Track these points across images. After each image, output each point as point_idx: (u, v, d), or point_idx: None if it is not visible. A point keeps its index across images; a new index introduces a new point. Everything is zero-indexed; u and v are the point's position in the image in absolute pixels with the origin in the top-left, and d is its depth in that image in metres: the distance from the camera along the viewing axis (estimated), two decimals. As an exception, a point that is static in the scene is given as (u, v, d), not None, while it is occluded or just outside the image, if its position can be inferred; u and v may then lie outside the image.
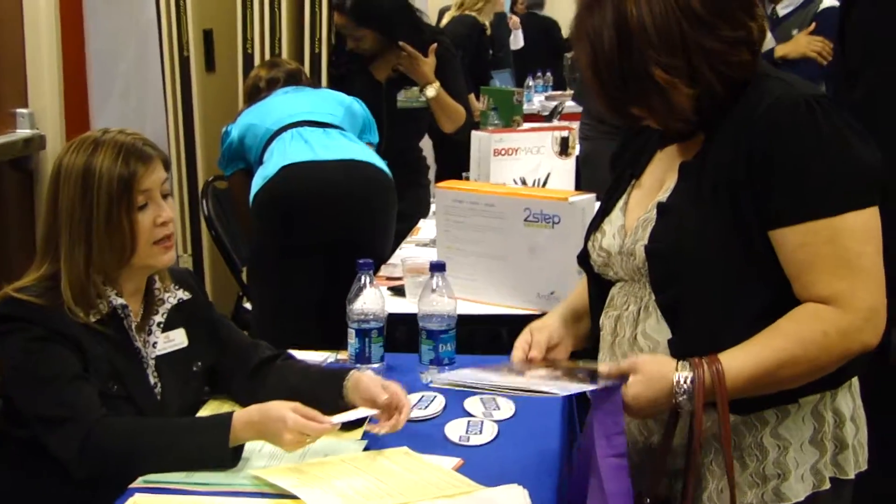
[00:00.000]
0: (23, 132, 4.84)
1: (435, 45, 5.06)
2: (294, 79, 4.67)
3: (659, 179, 2.16)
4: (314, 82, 4.77)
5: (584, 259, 2.28)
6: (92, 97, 4.91)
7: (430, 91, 4.96)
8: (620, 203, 2.23)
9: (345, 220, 4.17)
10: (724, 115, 2.03)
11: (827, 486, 2.06)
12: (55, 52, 4.96)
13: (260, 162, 4.28)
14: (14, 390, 2.53)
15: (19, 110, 4.88)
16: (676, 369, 1.96)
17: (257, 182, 4.18)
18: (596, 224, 2.27)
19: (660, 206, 2.08)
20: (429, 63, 4.97)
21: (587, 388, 1.99)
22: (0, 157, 4.60)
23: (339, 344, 3.07)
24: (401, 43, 4.87)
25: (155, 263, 2.62)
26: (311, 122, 4.25)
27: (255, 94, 4.64)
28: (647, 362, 1.99)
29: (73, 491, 2.40)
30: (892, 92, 2.59)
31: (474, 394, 2.58)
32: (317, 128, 4.25)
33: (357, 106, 4.57)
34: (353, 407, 2.53)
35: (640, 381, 1.97)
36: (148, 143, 2.63)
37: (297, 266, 4.16)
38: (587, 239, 2.29)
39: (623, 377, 1.99)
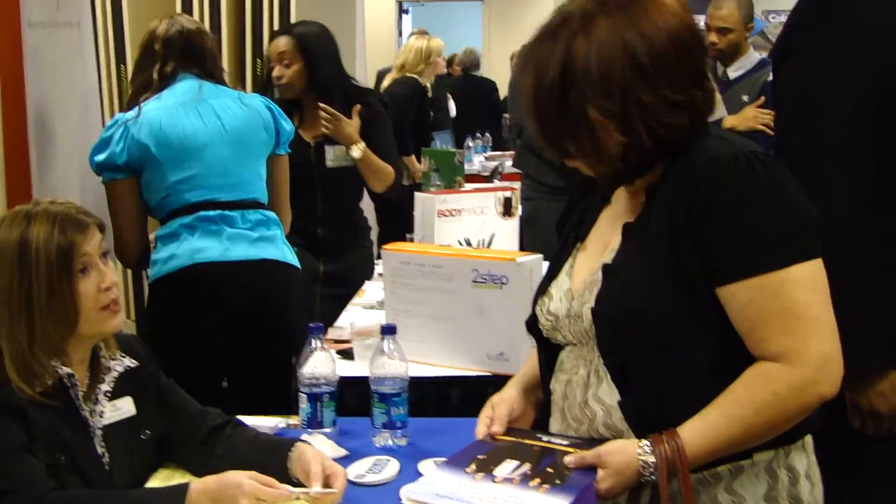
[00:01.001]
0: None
1: (358, 106, 4.99)
2: (191, 51, 4.11)
3: (603, 241, 2.16)
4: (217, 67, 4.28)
5: (532, 324, 2.27)
6: (33, 163, 4.86)
7: (356, 152, 4.86)
8: (566, 266, 2.24)
9: (252, 321, 3.95)
10: (665, 175, 2.05)
11: None
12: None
13: (160, 219, 4.04)
14: None
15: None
16: (640, 455, 1.96)
17: (160, 265, 3.96)
18: (543, 288, 2.28)
19: (605, 267, 2.10)
20: (352, 124, 4.88)
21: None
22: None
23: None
24: (320, 104, 4.78)
25: (104, 329, 2.59)
26: (224, 202, 3.98)
27: (148, 56, 4.11)
28: (612, 454, 1.99)
29: None
30: (815, 159, 2.58)
31: (428, 456, 2.54)
32: (230, 211, 3.98)
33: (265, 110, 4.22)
34: (295, 478, 2.54)
35: (611, 475, 1.98)
36: (81, 211, 2.60)
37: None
38: (535, 303, 2.29)
39: (588, 468, 2.00)
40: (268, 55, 5.07)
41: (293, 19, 6.34)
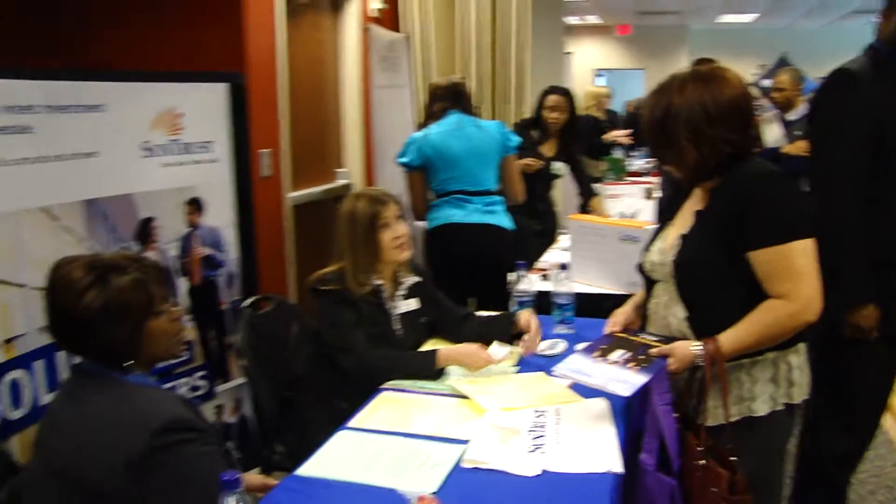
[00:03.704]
0: (341, 182, 4.93)
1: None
2: (456, 96, 4.06)
3: (684, 220, 2.12)
4: (470, 105, 4.15)
5: (640, 267, 2.26)
6: (375, 166, 5.02)
7: (562, 171, 4.81)
8: (662, 234, 2.20)
9: (481, 257, 3.95)
10: (723, 182, 1.99)
11: (781, 407, 2.00)
12: (359, 132, 5.05)
13: (435, 196, 4.04)
14: (324, 331, 2.59)
15: (338, 169, 5.01)
16: (694, 349, 1.94)
17: (432, 222, 4.00)
18: (648, 245, 2.24)
19: (682, 236, 2.06)
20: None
21: (644, 379, 1.94)
22: (327, 197, 4.70)
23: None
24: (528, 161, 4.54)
25: (396, 259, 2.66)
26: (469, 191, 3.95)
27: (432, 100, 4.12)
28: (679, 348, 1.96)
29: (353, 386, 2.42)
30: (824, 181, 2.51)
31: (583, 341, 2.54)
32: (471, 196, 3.95)
33: (498, 131, 4.07)
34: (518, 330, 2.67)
35: (677, 360, 1.96)
36: (385, 193, 2.68)
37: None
38: (643, 253, 2.27)
39: (664, 356, 1.97)
40: (541, 101, 4.80)
41: (529, 80, 6.32)
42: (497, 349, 2.54)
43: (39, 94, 2.39)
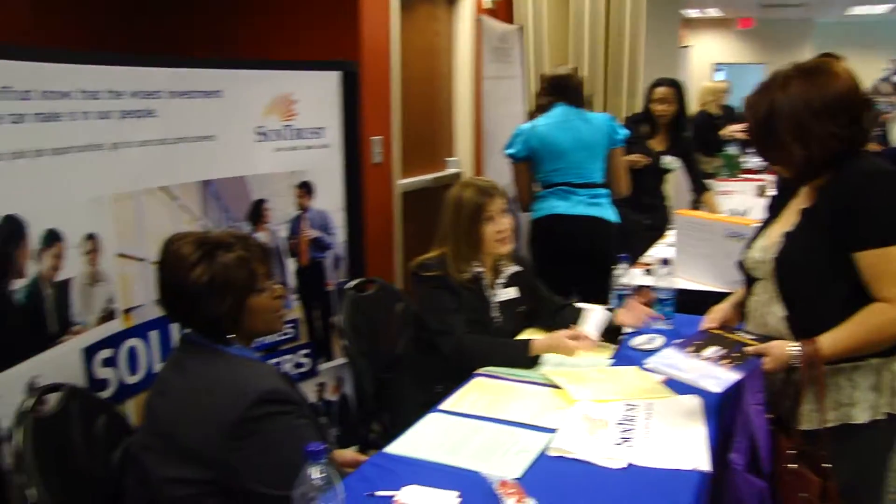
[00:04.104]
0: (450, 171, 4.97)
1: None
2: (563, 88, 4.03)
3: (789, 218, 2.06)
4: (579, 97, 4.07)
5: (740, 264, 2.20)
6: (484, 155, 5.04)
7: (673, 164, 4.70)
8: (766, 231, 2.14)
9: (584, 249, 3.92)
10: (830, 180, 1.92)
11: (883, 417, 1.92)
12: (469, 122, 5.08)
13: (541, 187, 4.03)
14: (424, 314, 2.62)
15: (448, 158, 5.05)
16: (792, 350, 1.88)
17: (536, 212, 4.00)
18: (750, 242, 2.19)
19: (786, 234, 1.99)
20: None
21: (737, 376, 1.90)
22: (437, 185, 4.73)
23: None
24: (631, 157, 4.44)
25: (497, 252, 2.67)
26: (574, 184, 3.92)
27: (541, 92, 4.17)
28: (775, 347, 1.91)
29: (449, 370, 2.45)
30: None
31: (680, 336, 2.51)
32: (576, 188, 3.93)
33: (605, 124, 4.03)
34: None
35: (772, 360, 1.90)
36: (493, 185, 2.68)
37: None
38: (745, 250, 2.21)
39: (759, 355, 1.92)
40: (649, 93, 4.70)
41: (642, 73, 6.21)
42: (591, 327, 2.55)
43: (163, 80, 2.51)
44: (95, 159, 2.29)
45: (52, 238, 2.15)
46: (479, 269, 2.67)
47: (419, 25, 4.59)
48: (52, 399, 1.80)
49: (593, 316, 2.66)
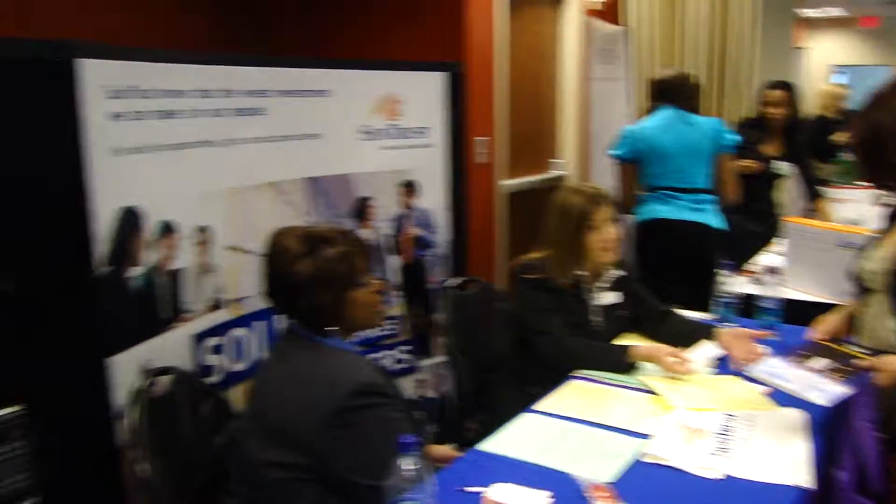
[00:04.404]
0: (555, 173, 4.96)
1: None
2: (669, 91, 3.94)
3: None
4: (688, 100, 3.98)
5: (853, 275, 2.11)
6: (592, 158, 5.00)
7: (784, 169, 4.55)
8: (883, 242, 2.06)
9: (687, 254, 3.83)
10: None
11: None
12: (574, 124, 5.06)
13: (644, 190, 3.98)
14: (524, 314, 2.60)
15: (552, 160, 5.03)
16: None
17: (639, 215, 3.94)
18: (863, 253, 2.10)
19: None
20: None
21: (845, 390, 1.82)
22: (541, 187, 4.73)
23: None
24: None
25: (600, 260, 2.62)
26: (676, 188, 3.86)
27: (649, 94, 4.07)
28: (889, 362, 1.81)
29: (547, 371, 2.43)
30: None
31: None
32: (678, 193, 3.86)
33: (713, 128, 3.92)
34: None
35: (885, 375, 1.80)
36: (601, 193, 2.63)
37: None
38: (858, 261, 2.12)
39: (871, 369, 1.83)
40: (761, 97, 4.58)
41: (756, 76, 6.03)
42: (698, 356, 2.46)
43: (273, 79, 2.59)
44: (209, 155, 2.38)
45: (167, 229, 2.25)
46: (581, 273, 2.64)
47: (525, 26, 4.58)
48: (163, 382, 1.89)
49: (705, 349, 2.54)
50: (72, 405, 1.98)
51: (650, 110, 3.99)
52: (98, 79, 1.99)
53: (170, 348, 2.24)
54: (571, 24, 4.95)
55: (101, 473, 1.99)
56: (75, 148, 1.94)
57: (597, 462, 1.81)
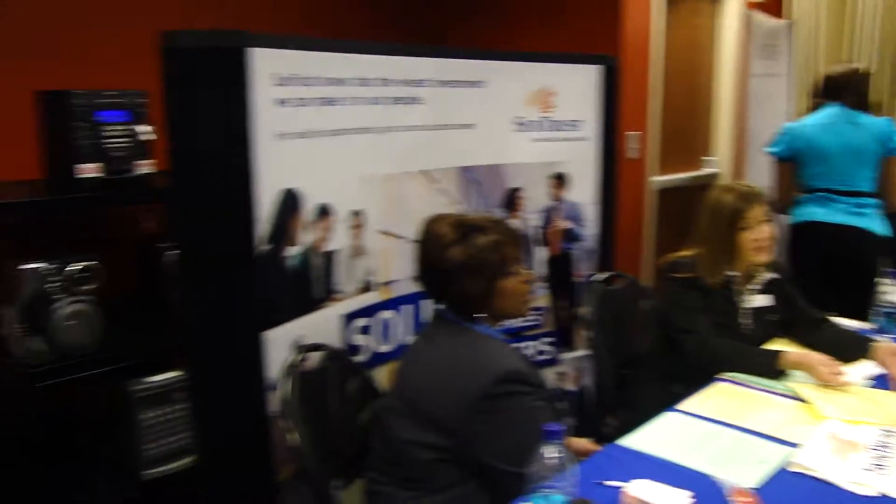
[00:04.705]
0: (708, 171, 4.84)
1: None
2: (836, 88, 3.77)
3: None
4: (858, 99, 3.77)
5: None
6: (748, 155, 4.83)
7: None
8: None
9: (843, 259, 3.67)
10: None
11: None
12: (730, 121, 4.92)
13: (801, 191, 3.82)
14: (669, 312, 2.57)
15: (705, 157, 4.90)
16: None
17: (795, 217, 3.80)
18: None
19: None
20: None
21: None
22: (693, 184, 4.63)
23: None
24: None
25: (752, 260, 2.54)
26: (835, 190, 3.69)
27: (816, 92, 3.94)
28: None
29: (691, 371, 2.38)
30: None
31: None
32: (837, 196, 3.69)
33: (881, 129, 3.70)
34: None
35: None
36: (755, 192, 2.55)
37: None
38: None
39: None
40: None
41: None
42: (854, 370, 2.34)
43: (431, 69, 2.64)
44: (366, 142, 2.45)
45: (324, 212, 2.33)
46: (733, 274, 2.57)
47: (683, 20, 4.47)
48: (314, 357, 1.97)
49: (864, 366, 2.41)
50: (229, 374, 2.08)
51: (815, 107, 3.82)
52: (267, 66, 2.08)
53: (321, 326, 2.32)
54: (732, 18, 4.80)
55: (253, 440, 2.09)
56: (244, 131, 2.04)
57: (741, 467, 1.76)
